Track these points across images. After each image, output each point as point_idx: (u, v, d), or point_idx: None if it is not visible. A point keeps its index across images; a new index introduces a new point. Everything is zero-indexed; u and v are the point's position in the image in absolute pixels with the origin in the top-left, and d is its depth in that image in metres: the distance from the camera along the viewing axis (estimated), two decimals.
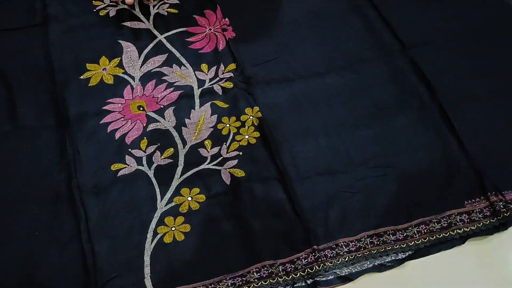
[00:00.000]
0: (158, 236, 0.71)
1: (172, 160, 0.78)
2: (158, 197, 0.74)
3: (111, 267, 0.68)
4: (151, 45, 0.91)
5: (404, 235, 0.72)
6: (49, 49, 0.88)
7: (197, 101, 0.84)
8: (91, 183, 0.75)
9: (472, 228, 0.72)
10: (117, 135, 0.80)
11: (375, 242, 0.71)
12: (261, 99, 0.84)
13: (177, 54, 0.90)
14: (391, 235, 0.72)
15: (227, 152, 0.79)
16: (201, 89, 0.86)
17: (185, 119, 0.82)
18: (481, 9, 0.97)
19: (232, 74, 0.88)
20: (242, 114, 0.83)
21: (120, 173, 0.76)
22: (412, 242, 0.72)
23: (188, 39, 0.92)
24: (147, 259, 0.69)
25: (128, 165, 0.77)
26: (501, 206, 0.73)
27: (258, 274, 0.68)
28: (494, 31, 0.94)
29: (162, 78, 0.87)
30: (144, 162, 0.77)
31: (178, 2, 0.97)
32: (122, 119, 0.82)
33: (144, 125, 0.81)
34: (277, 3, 0.98)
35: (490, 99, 0.85)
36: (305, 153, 0.79)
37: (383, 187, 0.76)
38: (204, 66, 0.88)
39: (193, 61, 0.89)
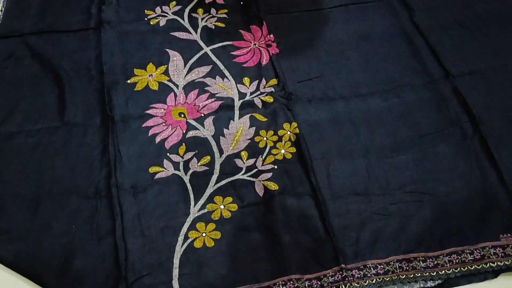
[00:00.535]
0: (189, 241, 0.72)
1: (208, 168, 0.80)
2: (192, 202, 0.76)
3: (142, 266, 0.70)
4: (196, 56, 0.94)
5: (435, 263, 0.71)
6: (100, 52, 0.92)
7: (236, 112, 0.86)
8: (129, 183, 0.77)
9: (506, 263, 0.71)
10: (158, 139, 0.82)
11: (404, 267, 0.71)
12: (300, 115, 0.85)
13: (221, 66, 0.92)
14: (421, 262, 0.71)
15: (262, 165, 0.80)
16: (241, 101, 0.88)
17: (224, 129, 0.84)
18: None
19: (273, 89, 0.89)
20: (280, 129, 0.84)
21: (157, 176, 0.78)
22: (443, 271, 0.70)
23: (232, 53, 0.94)
24: (176, 261, 0.70)
25: (166, 169, 0.79)
26: None
27: (284, 287, 0.69)
28: None
29: (205, 88, 0.89)
30: (181, 168, 0.79)
31: (226, 16, 1.00)
32: (164, 124, 0.84)
33: (184, 131, 0.83)
34: (323, 22, 0.99)
35: None
36: (341, 173, 0.79)
37: (417, 212, 0.75)
38: (246, 80, 0.91)
39: (236, 74, 0.91)
